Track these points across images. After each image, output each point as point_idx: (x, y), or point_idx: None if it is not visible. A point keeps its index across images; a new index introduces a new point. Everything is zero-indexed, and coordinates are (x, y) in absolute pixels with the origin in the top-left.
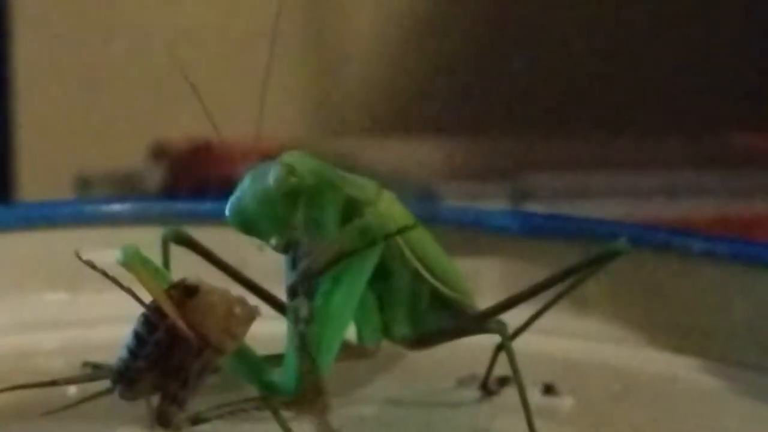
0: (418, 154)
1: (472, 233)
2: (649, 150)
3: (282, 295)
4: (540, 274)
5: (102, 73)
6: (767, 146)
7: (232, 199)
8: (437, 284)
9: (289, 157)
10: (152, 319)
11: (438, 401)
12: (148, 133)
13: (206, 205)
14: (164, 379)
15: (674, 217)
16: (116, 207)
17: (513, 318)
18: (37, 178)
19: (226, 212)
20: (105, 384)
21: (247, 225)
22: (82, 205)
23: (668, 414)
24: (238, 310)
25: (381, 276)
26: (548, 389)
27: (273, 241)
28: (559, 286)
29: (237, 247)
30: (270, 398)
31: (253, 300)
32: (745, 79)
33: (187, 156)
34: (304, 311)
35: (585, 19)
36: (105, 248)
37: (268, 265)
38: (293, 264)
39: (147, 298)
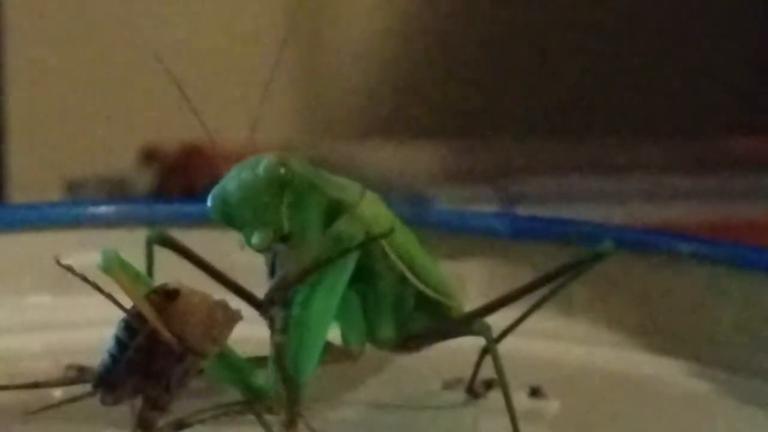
0: (408, 158)
1: (459, 236)
2: (641, 154)
3: None
4: (527, 276)
5: (92, 76)
6: (761, 149)
7: (214, 189)
8: (422, 286)
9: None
10: (133, 324)
11: (423, 404)
12: (138, 136)
13: (192, 207)
14: (146, 384)
15: (666, 221)
16: (102, 209)
17: (500, 321)
18: (27, 182)
19: (208, 202)
20: (88, 387)
21: (229, 215)
22: (68, 207)
23: (655, 417)
24: (219, 314)
25: (365, 278)
26: (534, 392)
27: (254, 239)
28: (545, 289)
29: (222, 249)
30: (254, 402)
31: (236, 303)
32: (739, 82)
33: (176, 160)
34: (279, 321)
35: (577, 24)
36: (90, 251)
37: (253, 267)
38: (271, 271)
39: (128, 303)
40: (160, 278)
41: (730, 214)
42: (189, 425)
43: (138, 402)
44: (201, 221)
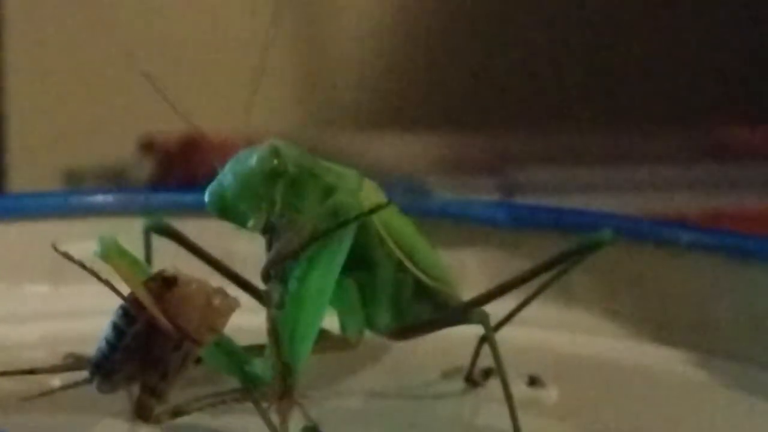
0: (408, 148)
1: (459, 224)
2: (640, 144)
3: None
4: (526, 265)
5: (92, 66)
6: (758, 140)
7: (212, 184)
8: (420, 274)
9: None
10: (131, 311)
11: (422, 393)
12: (138, 126)
13: (190, 196)
14: (143, 372)
15: (665, 211)
16: (100, 198)
17: (498, 309)
18: (26, 171)
19: (206, 196)
20: (85, 374)
21: (226, 208)
22: (66, 197)
23: (654, 406)
24: (217, 301)
25: (363, 266)
26: (533, 381)
27: (250, 223)
28: (543, 278)
29: (220, 238)
30: (251, 390)
31: (234, 291)
32: (737, 73)
33: (175, 150)
34: (276, 296)
35: (575, 14)
36: (88, 240)
37: (252, 256)
38: (269, 247)
39: (126, 290)
40: (158, 267)
41: (728, 203)
42: (186, 413)
43: (135, 389)
44: (199, 210)
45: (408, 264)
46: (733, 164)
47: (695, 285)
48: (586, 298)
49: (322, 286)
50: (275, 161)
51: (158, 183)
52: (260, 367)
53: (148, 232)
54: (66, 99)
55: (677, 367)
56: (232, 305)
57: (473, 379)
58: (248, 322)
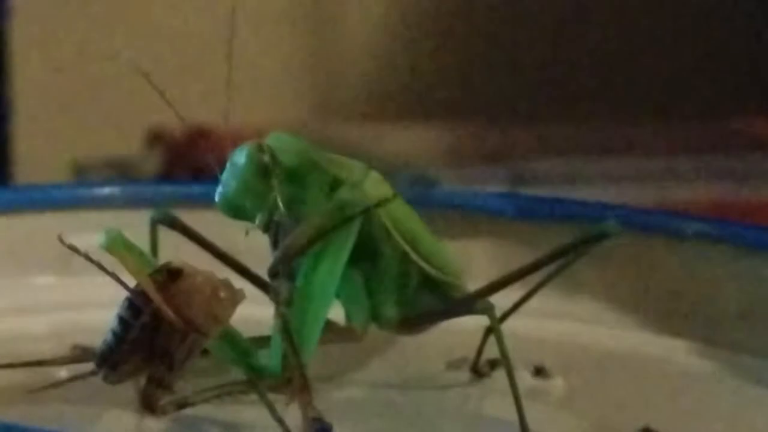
0: (415, 140)
1: (465, 215)
2: (646, 135)
3: None
4: (531, 256)
5: (99, 58)
6: (766, 130)
7: (218, 188)
8: (426, 266)
9: (272, 138)
10: (137, 304)
11: (428, 384)
12: (145, 118)
13: (197, 188)
14: (149, 363)
15: (672, 202)
16: (107, 190)
17: (504, 300)
18: (33, 164)
19: (216, 201)
20: (91, 366)
21: (233, 209)
22: (73, 188)
23: (659, 396)
24: (222, 293)
25: (369, 257)
26: (539, 372)
27: (257, 221)
28: (549, 268)
29: (227, 230)
30: (256, 382)
31: (240, 283)
32: (744, 64)
33: (182, 142)
34: (284, 293)
35: (582, 7)
36: (95, 231)
37: (258, 248)
38: (275, 244)
39: (132, 282)
40: (164, 259)
41: (735, 194)
42: (192, 404)
43: (141, 381)
44: (206, 202)
45: (413, 255)
46: (742, 154)
47: (701, 276)
48: (592, 289)
49: (328, 280)
50: (264, 157)
51: (165, 175)
52: (265, 358)
53: (154, 224)
54: (73, 91)
55: (683, 357)
56: (238, 297)
57: (479, 370)
58: (254, 313)
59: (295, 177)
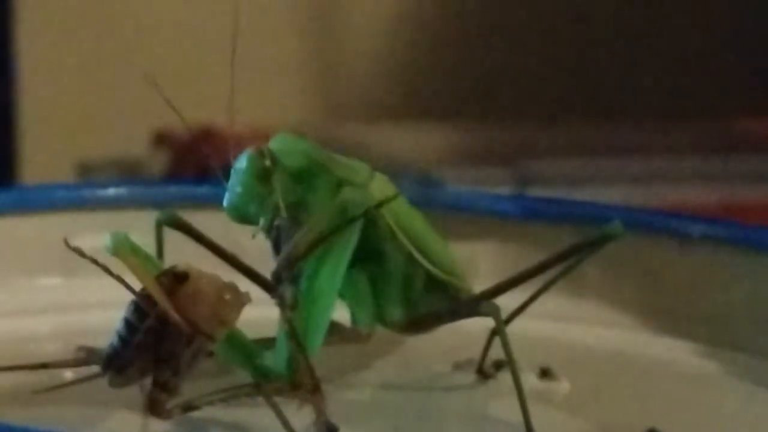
0: (421, 141)
1: (470, 217)
2: (652, 136)
3: None
4: (537, 257)
5: (105, 58)
6: None
7: (226, 194)
8: (431, 267)
9: (277, 139)
10: (142, 307)
11: (434, 385)
12: (150, 119)
13: (202, 189)
14: (155, 366)
15: (676, 203)
16: (112, 191)
17: (509, 302)
18: (39, 164)
19: (224, 207)
20: (97, 368)
21: (240, 215)
22: (78, 189)
23: (665, 398)
24: (228, 296)
25: (374, 258)
26: (545, 373)
27: (260, 224)
28: (554, 270)
29: (232, 231)
30: (262, 384)
31: (245, 284)
32: (748, 65)
33: (188, 142)
34: (289, 297)
35: (587, 7)
36: (101, 232)
37: (264, 249)
38: (276, 248)
39: (138, 285)
40: (170, 260)
41: (740, 195)
42: (198, 407)
43: (147, 384)
44: (211, 203)
45: (418, 256)
46: (748, 155)
47: (707, 277)
48: (597, 291)
49: (331, 282)
50: (263, 161)
51: (171, 176)
52: (271, 361)
53: (160, 225)
54: (79, 91)
55: (689, 359)
56: (244, 300)
57: (484, 372)
58: (260, 315)
59: (301, 178)
